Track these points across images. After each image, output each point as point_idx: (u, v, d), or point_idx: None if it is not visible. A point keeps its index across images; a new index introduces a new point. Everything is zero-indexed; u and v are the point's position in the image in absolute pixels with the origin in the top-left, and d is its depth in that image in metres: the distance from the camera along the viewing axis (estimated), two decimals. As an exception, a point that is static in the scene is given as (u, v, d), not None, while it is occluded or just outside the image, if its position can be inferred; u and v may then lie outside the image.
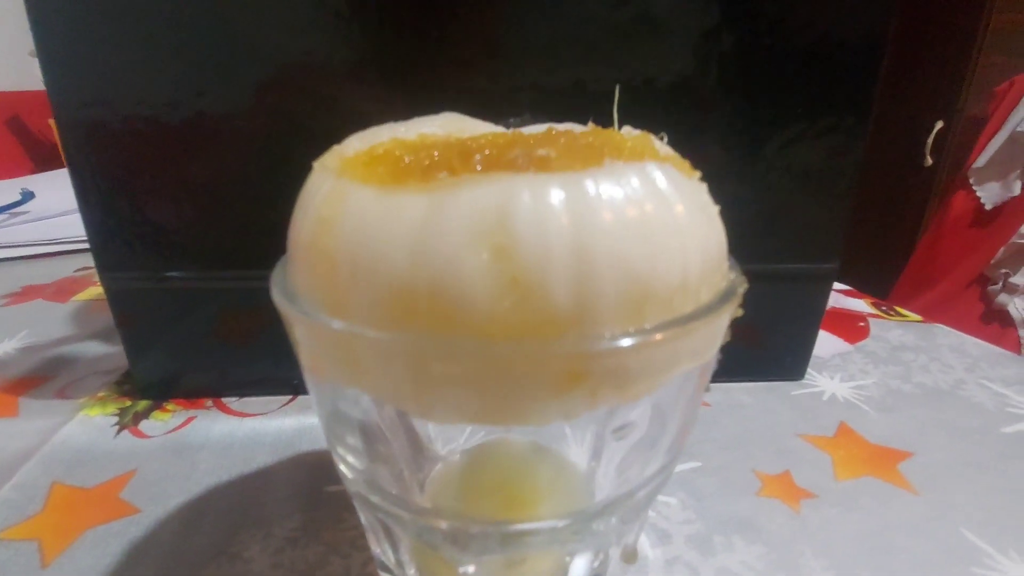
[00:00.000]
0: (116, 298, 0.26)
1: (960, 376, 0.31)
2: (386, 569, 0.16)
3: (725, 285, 0.11)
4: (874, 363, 0.32)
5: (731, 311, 0.11)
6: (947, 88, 1.50)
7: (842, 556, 0.19)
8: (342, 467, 0.13)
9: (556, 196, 0.09)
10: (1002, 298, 1.12)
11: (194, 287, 0.26)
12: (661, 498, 0.22)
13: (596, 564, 0.13)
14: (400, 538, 0.14)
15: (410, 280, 0.09)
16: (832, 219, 0.27)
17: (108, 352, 0.32)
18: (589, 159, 0.10)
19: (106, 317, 0.26)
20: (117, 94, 0.22)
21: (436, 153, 0.10)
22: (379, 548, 0.15)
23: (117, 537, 0.20)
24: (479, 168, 0.10)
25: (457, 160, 0.10)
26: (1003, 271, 1.23)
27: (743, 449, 0.25)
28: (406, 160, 0.10)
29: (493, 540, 0.11)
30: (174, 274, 0.25)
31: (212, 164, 0.24)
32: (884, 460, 0.24)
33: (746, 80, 0.24)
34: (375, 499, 0.13)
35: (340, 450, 0.13)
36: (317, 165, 0.12)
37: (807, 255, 0.27)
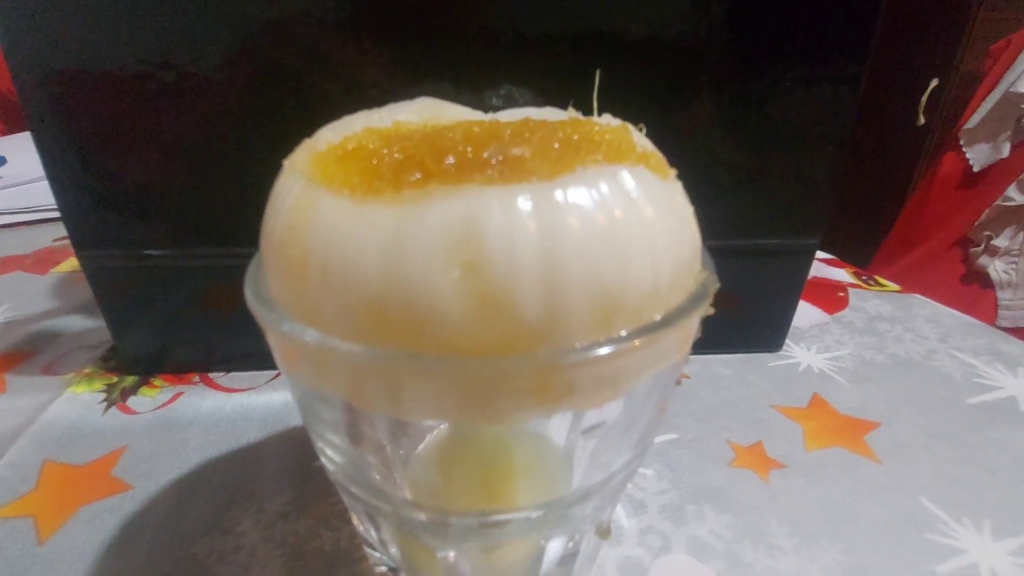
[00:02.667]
0: (95, 276, 0.26)
1: (932, 347, 0.32)
2: (370, 545, 0.16)
3: (695, 287, 0.11)
4: (850, 334, 0.33)
5: (701, 313, 0.11)
6: (944, 45, 1.46)
7: (805, 524, 0.20)
8: (324, 460, 0.13)
9: (525, 209, 0.09)
10: (983, 260, 1.13)
11: (174, 264, 0.25)
12: (638, 470, 0.23)
13: (571, 544, 0.14)
14: (381, 523, 0.15)
15: (381, 294, 0.09)
16: (817, 195, 0.27)
17: (92, 326, 0.32)
18: (562, 161, 0.10)
19: (88, 290, 0.26)
20: (83, 63, 0.21)
21: (409, 149, 0.10)
22: (362, 527, 0.16)
23: (111, 513, 0.20)
24: (452, 171, 0.10)
25: (430, 159, 0.10)
26: (986, 233, 1.24)
27: (719, 420, 0.26)
28: (374, 162, 0.10)
29: (472, 529, 0.12)
30: (153, 252, 0.25)
31: (187, 138, 0.23)
32: (852, 431, 0.25)
33: (736, 46, 0.23)
34: (356, 490, 0.13)
35: (320, 444, 0.13)
36: (287, 164, 0.12)
37: (790, 230, 0.27)
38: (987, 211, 1.23)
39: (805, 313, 0.35)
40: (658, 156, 0.12)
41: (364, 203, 0.09)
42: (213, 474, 0.22)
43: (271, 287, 0.11)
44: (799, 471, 0.23)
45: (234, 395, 0.26)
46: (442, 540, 0.12)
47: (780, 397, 0.27)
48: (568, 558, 0.15)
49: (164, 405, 0.26)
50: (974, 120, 1.17)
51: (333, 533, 0.20)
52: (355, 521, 0.16)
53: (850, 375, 0.29)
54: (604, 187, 0.10)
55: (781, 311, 0.30)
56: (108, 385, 0.27)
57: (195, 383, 0.27)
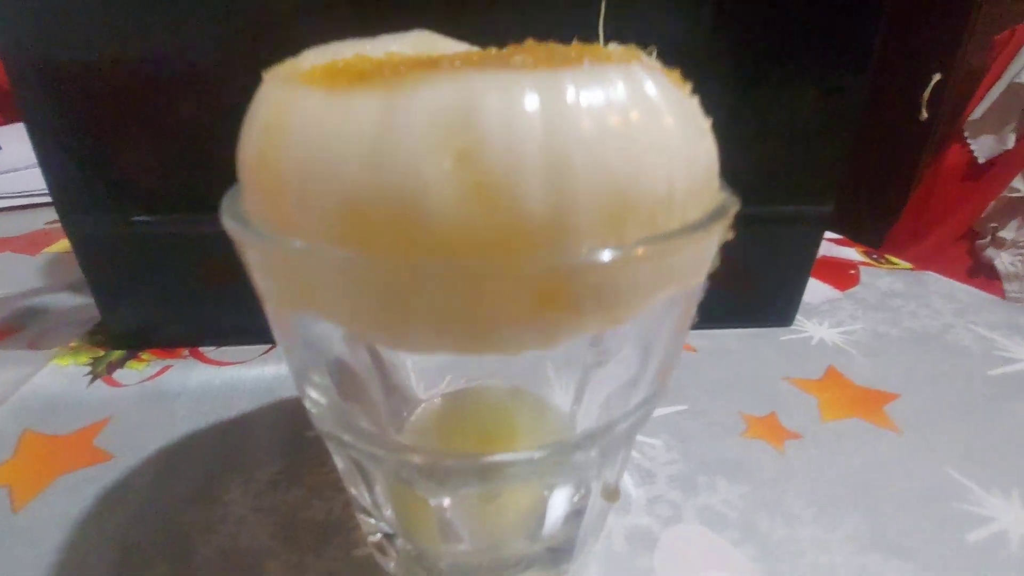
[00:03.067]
0: (81, 245, 0.25)
1: (949, 321, 0.31)
2: (363, 511, 0.15)
3: (714, 205, 0.10)
4: (863, 309, 0.32)
5: (721, 231, 0.10)
6: (947, 39, 1.45)
7: (824, 494, 0.19)
8: (309, 405, 0.12)
9: (527, 94, 0.08)
10: (989, 252, 1.12)
11: (164, 232, 0.24)
12: (645, 439, 0.22)
13: (576, 498, 0.13)
14: (375, 479, 0.14)
15: (365, 191, 0.08)
16: (829, 160, 0.26)
17: (81, 303, 0.31)
18: (568, 60, 0.09)
19: (78, 268, 0.25)
20: (65, 19, 0.20)
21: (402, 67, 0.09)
22: (355, 490, 0.15)
23: (90, 483, 0.19)
24: (446, 64, 0.09)
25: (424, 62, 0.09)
26: (992, 225, 1.23)
27: (729, 392, 0.25)
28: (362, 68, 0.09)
29: (470, 473, 0.11)
30: (142, 219, 0.24)
31: (178, 96, 0.22)
32: (870, 402, 0.24)
33: (745, 19, 0.22)
34: (348, 438, 0.12)
35: (308, 389, 0.12)
36: (267, 75, 0.11)
37: (802, 197, 0.26)
38: (993, 203, 1.21)
39: (816, 290, 0.34)
40: (671, 71, 0.11)
41: (347, 94, 0.08)
42: (201, 444, 0.21)
43: (248, 211, 0.10)
44: (815, 441, 0.22)
45: (225, 368, 0.25)
46: (439, 484, 0.11)
47: (793, 369, 0.26)
48: (573, 516, 0.14)
49: (151, 378, 0.25)
50: (978, 111, 1.16)
51: (326, 503, 0.19)
52: (347, 484, 0.15)
53: (865, 348, 0.28)
54: (614, 78, 0.09)
55: (792, 284, 0.29)
56: (94, 359, 0.26)
57: (184, 357, 0.26)
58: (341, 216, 0.08)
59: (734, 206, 0.10)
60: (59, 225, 0.24)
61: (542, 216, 0.08)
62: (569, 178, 0.08)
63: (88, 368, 0.25)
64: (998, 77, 1.13)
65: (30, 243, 0.39)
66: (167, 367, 0.25)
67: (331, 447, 0.14)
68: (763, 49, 0.23)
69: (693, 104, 0.10)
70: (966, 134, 1.17)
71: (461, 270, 0.08)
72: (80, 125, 0.22)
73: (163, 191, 0.24)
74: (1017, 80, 1.12)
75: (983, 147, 1.15)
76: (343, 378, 0.13)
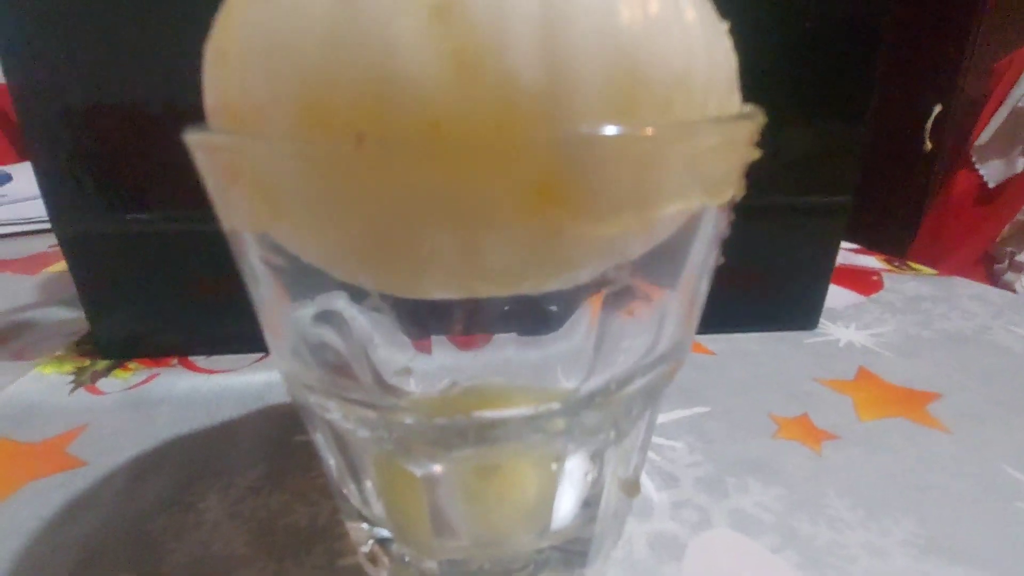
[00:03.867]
0: (71, 246, 0.24)
1: (985, 323, 0.29)
2: (353, 516, 0.14)
3: (738, 111, 0.09)
4: (891, 312, 0.30)
5: (747, 134, 0.09)
6: (945, 70, 1.47)
7: (870, 495, 0.17)
8: (294, 373, 0.11)
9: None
10: (1008, 276, 1.10)
11: (158, 231, 0.23)
12: (664, 441, 0.20)
13: (589, 478, 0.11)
14: (363, 464, 0.12)
15: (326, 69, 0.07)
16: (846, 147, 0.25)
17: (71, 317, 0.30)
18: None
19: (72, 285, 0.24)
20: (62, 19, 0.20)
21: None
22: (344, 488, 0.13)
23: (59, 489, 0.17)
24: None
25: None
26: (1008, 249, 1.21)
27: (754, 393, 0.23)
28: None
29: (465, 433, 0.09)
30: (135, 216, 0.23)
31: (172, 86, 0.22)
32: (911, 401, 0.22)
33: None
34: (333, 405, 0.11)
35: (292, 359, 0.11)
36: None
37: (819, 186, 0.25)
38: (1008, 226, 1.19)
39: (838, 295, 0.32)
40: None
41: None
42: (179, 450, 0.19)
43: (210, 119, 0.09)
44: (855, 441, 0.20)
45: (213, 376, 0.24)
46: (431, 448, 0.10)
47: (822, 371, 0.24)
48: (586, 507, 0.12)
49: (135, 386, 0.23)
50: (984, 137, 1.16)
51: (310, 508, 0.17)
52: (335, 480, 0.13)
53: (897, 350, 0.26)
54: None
55: (815, 283, 0.28)
56: (79, 368, 0.25)
57: (173, 365, 0.25)
58: (302, 105, 0.07)
59: (760, 117, 0.09)
60: (60, 249, 0.24)
61: (535, 88, 0.07)
62: (568, 41, 0.07)
63: (71, 376, 0.24)
64: (1001, 102, 1.13)
65: (29, 264, 0.39)
66: (153, 375, 0.24)
67: (314, 427, 0.12)
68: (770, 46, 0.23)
69: (713, 11, 0.09)
70: (974, 159, 1.17)
71: (437, 151, 0.07)
72: (74, 122, 0.22)
73: (160, 186, 0.23)
74: (1021, 104, 1.13)
75: (992, 171, 1.14)
76: (336, 370, 0.12)
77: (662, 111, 0.07)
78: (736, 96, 0.10)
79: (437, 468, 0.10)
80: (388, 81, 0.07)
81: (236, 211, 0.09)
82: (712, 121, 0.08)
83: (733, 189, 0.09)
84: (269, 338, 0.11)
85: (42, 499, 0.17)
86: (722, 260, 0.10)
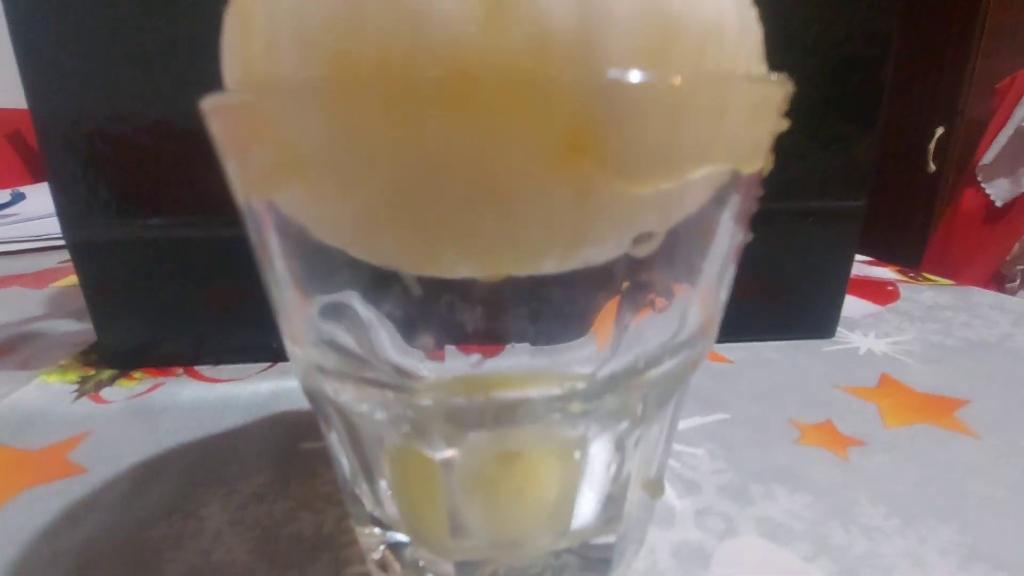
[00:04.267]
0: (80, 252, 0.24)
1: (1007, 330, 0.28)
2: (364, 520, 0.13)
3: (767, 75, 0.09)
4: (910, 321, 0.29)
5: (777, 99, 0.08)
6: (947, 91, 1.49)
7: (904, 502, 0.16)
8: (307, 359, 0.10)
9: None
10: (1021, 295, 1.08)
11: (168, 237, 0.23)
12: (684, 448, 0.19)
13: (612, 469, 0.11)
14: (376, 457, 0.12)
15: (355, 7, 0.07)
16: (859, 150, 0.25)
17: (78, 328, 0.30)
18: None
19: (81, 298, 0.24)
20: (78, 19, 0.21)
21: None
22: (357, 487, 0.12)
23: (57, 496, 0.17)
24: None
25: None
26: (1020, 268, 1.20)
27: (775, 401, 0.22)
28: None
29: (484, 413, 0.09)
30: (148, 222, 0.23)
31: (185, 93, 0.22)
32: (938, 407, 0.21)
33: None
34: (349, 387, 0.10)
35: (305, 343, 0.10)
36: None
37: (832, 191, 0.25)
38: (1017, 244, 1.19)
39: (854, 305, 0.32)
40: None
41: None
42: (182, 457, 0.19)
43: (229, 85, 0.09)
44: (882, 447, 0.19)
45: (219, 384, 0.24)
46: (449, 428, 0.09)
47: (843, 378, 0.24)
48: (609, 507, 0.11)
49: (140, 395, 0.23)
50: (989, 156, 1.16)
51: (316, 515, 0.16)
52: (346, 475, 0.13)
53: (920, 357, 0.25)
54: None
55: (831, 290, 0.27)
56: (83, 377, 0.24)
57: (178, 375, 0.24)
58: (331, 54, 0.07)
59: (790, 85, 0.09)
60: (71, 263, 0.23)
61: (568, 31, 0.06)
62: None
63: (75, 385, 0.23)
64: (1004, 122, 1.14)
65: (39, 279, 0.39)
66: (158, 384, 0.24)
67: (328, 417, 0.12)
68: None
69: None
70: (979, 178, 1.17)
71: (470, 96, 0.06)
72: (88, 126, 0.22)
73: (173, 191, 0.23)
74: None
75: (999, 190, 1.14)
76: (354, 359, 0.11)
77: (695, 60, 0.07)
78: (763, 67, 0.09)
79: (455, 453, 0.09)
80: (418, 24, 0.06)
81: (255, 177, 0.09)
82: (745, 77, 0.08)
83: (762, 160, 0.09)
84: (283, 324, 0.11)
85: (40, 506, 0.16)
86: (751, 236, 0.10)
